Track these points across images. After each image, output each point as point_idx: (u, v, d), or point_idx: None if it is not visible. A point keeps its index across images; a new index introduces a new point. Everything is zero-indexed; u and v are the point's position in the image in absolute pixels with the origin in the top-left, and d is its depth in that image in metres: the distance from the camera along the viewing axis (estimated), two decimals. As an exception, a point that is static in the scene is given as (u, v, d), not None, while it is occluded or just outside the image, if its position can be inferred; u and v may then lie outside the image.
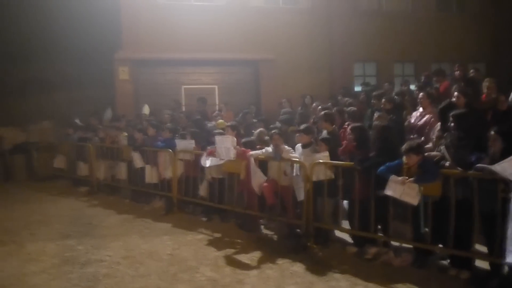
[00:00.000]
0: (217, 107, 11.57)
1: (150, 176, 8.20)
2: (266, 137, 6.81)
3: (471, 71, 8.26)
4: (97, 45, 14.04)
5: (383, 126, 5.59)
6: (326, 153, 5.70)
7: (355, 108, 7.54)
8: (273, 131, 6.53)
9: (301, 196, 5.90)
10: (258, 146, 6.75)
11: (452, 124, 4.87)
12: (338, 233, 6.05)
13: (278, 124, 8.31)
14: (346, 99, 9.16)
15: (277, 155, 6.16)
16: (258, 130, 7.26)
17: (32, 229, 6.84)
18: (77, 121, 11.40)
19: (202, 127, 8.25)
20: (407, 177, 4.78)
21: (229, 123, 7.54)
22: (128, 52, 12.41)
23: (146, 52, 12.33)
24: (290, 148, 6.26)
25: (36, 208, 8.31)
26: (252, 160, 6.32)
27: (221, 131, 7.43)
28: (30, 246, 6.00)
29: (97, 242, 6.10)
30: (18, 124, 12.57)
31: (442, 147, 4.89)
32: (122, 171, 9.01)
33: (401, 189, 4.81)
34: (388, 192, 4.90)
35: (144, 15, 12.36)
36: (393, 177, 4.88)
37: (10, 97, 14.25)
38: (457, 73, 7.99)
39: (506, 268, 4.35)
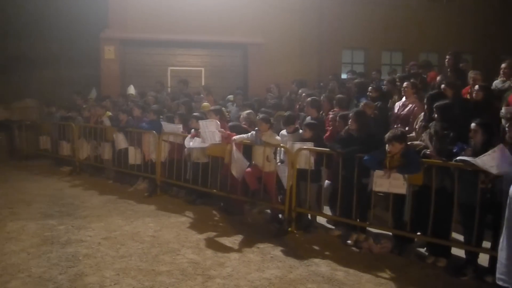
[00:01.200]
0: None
1: (134, 157, 8.16)
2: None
3: (461, 64, 8.26)
4: (83, 23, 13.73)
5: (359, 112, 5.61)
6: (311, 143, 5.69)
7: (342, 96, 7.53)
8: (258, 116, 6.51)
9: (286, 183, 5.91)
10: (243, 123, 6.73)
11: (435, 114, 4.93)
12: (320, 219, 6.12)
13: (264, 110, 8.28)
14: (331, 84, 9.24)
15: (258, 138, 6.16)
16: (246, 112, 7.24)
17: (13, 208, 6.77)
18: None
19: (191, 110, 8.19)
20: (389, 169, 4.81)
21: (212, 107, 7.49)
22: (115, 31, 12.19)
23: (133, 32, 12.13)
24: (274, 133, 6.25)
25: (17, 187, 8.22)
26: (234, 145, 6.29)
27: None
28: (11, 225, 5.94)
29: (79, 222, 6.06)
30: (1, 101, 12.34)
31: (424, 135, 4.94)
32: (105, 152, 8.94)
33: (387, 183, 4.84)
34: (376, 188, 4.94)
35: (131, -6, 12.12)
36: (376, 173, 4.91)
37: (-6, 74, 13.94)
38: (447, 61, 8.04)
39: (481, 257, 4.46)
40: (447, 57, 7.87)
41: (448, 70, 7.66)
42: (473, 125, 4.44)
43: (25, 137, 11.40)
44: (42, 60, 14.36)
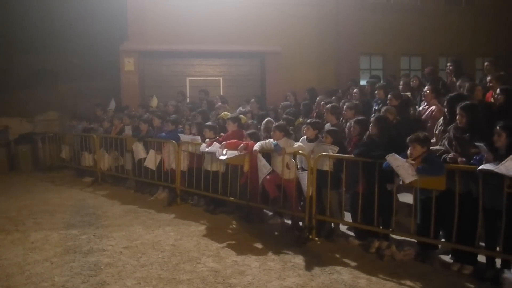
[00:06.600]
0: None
1: (153, 161, 8.16)
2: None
3: (486, 64, 8.06)
4: (103, 37, 14.07)
5: (380, 117, 5.53)
6: (336, 148, 5.64)
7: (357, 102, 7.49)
8: (274, 125, 6.43)
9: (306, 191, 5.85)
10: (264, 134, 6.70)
11: (459, 116, 4.81)
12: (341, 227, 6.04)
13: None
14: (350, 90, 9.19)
15: (278, 148, 6.08)
16: (265, 120, 7.20)
17: (37, 218, 6.89)
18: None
19: (207, 119, 8.24)
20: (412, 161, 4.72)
21: (229, 116, 7.50)
22: (134, 43, 12.41)
23: (151, 43, 12.32)
24: (293, 141, 6.20)
25: (40, 198, 8.37)
26: (259, 155, 6.22)
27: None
28: (34, 235, 6.04)
29: (100, 232, 6.13)
30: (24, 114, 12.67)
31: (445, 141, 4.83)
32: (126, 162, 9.04)
33: (403, 162, 4.75)
34: (389, 159, 4.82)
35: (150, 6, 12.34)
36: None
37: (17, 88, 14.35)
38: (449, 68, 7.90)
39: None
40: (448, 64, 7.74)
41: (453, 76, 7.53)
42: (497, 128, 4.33)
43: (48, 149, 11.65)
44: (63, 73, 14.76)
